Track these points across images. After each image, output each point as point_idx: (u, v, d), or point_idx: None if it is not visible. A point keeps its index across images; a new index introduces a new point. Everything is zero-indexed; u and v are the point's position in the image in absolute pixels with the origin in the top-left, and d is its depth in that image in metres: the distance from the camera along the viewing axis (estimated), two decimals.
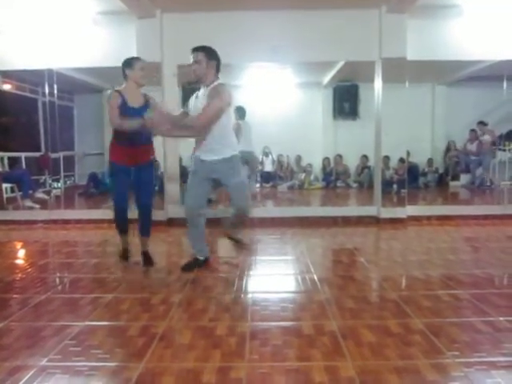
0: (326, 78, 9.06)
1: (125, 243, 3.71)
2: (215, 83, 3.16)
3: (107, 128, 9.11)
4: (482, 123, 8.32)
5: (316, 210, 6.26)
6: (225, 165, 3.20)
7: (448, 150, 9.28)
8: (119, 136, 3.35)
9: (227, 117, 3.19)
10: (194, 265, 3.48)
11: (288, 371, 1.87)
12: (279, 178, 9.37)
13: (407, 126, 5.79)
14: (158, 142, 5.47)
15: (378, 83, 5.67)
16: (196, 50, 3.17)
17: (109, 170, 3.50)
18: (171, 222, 5.47)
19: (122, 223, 3.59)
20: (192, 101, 3.29)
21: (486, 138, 8.30)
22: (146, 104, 3.37)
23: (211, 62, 3.17)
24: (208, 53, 3.17)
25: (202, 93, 3.21)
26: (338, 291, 2.92)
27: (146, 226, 3.61)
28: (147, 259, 3.60)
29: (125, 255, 3.72)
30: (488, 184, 8.27)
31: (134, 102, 3.33)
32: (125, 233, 3.65)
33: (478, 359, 1.95)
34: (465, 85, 8.62)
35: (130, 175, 3.42)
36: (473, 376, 1.81)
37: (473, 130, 8.66)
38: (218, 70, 3.24)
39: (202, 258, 3.50)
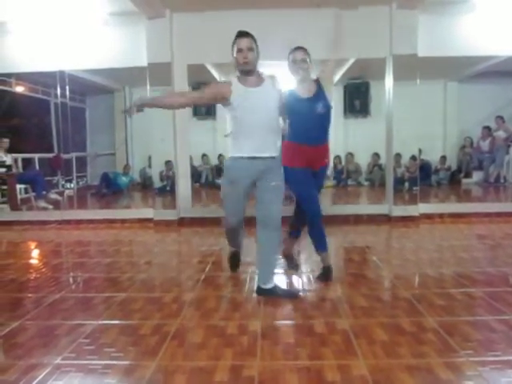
0: (337, 76, 9.01)
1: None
2: (267, 74, 2.94)
3: (118, 129, 9.23)
4: (501, 118, 8.20)
5: (327, 208, 6.22)
6: None
7: (464, 146, 9.18)
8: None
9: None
10: None
11: (300, 370, 1.87)
12: None
13: (419, 124, 5.73)
14: (169, 143, 5.56)
15: (388, 80, 5.62)
16: (246, 35, 2.75)
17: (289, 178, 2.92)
18: (182, 221, 5.51)
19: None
20: (246, 97, 2.80)
21: (500, 133, 8.19)
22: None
23: (258, 49, 2.84)
24: (255, 40, 2.82)
25: (267, 85, 2.90)
26: (350, 290, 2.91)
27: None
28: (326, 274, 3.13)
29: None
30: (501, 181, 8.17)
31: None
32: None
33: (492, 358, 1.93)
34: (477, 81, 8.50)
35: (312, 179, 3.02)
36: (487, 375, 1.79)
37: (486, 127, 8.55)
38: None
39: None
